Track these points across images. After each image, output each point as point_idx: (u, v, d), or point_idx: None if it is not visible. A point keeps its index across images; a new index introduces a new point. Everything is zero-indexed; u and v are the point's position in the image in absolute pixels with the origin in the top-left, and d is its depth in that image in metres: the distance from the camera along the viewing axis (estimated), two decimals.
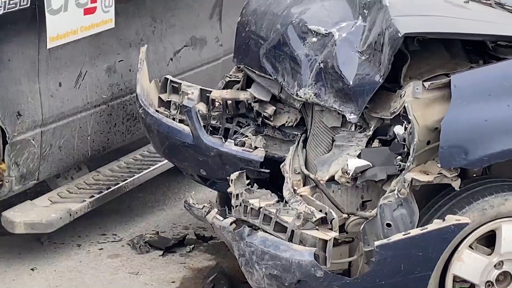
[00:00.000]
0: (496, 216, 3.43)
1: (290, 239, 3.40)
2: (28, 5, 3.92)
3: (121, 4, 4.39)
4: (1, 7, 3.79)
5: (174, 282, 4.14)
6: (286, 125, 4.14)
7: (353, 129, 3.70)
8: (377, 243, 3.18)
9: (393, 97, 3.57)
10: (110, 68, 4.49)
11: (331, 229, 3.39)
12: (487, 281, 3.46)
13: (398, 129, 3.48)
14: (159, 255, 4.43)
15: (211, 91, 4.37)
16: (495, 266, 3.45)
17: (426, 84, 3.46)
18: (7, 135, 3.94)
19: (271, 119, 4.18)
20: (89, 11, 4.24)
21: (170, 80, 4.49)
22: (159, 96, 4.43)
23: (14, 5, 3.85)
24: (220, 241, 4.19)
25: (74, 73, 4.28)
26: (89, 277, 4.20)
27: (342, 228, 3.44)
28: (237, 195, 3.72)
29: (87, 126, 4.44)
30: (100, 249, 4.48)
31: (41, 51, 4.05)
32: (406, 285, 3.33)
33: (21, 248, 4.33)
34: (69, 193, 4.40)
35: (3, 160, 3.99)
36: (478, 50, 3.71)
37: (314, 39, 3.86)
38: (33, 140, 4.10)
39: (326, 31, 3.82)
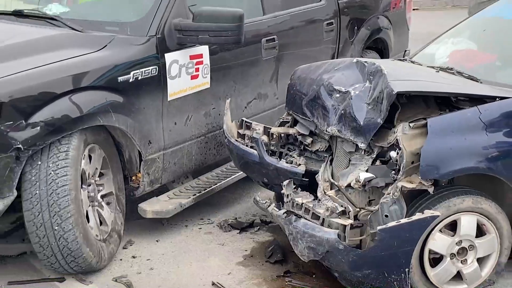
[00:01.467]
0: (457, 211, 3.43)
1: (322, 224, 3.46)
2: (156, 73, 3.99)
3: (214, 72, 4.43)
4: (140, 75, 3.87)
5: (246, 250, 4.18)
6: (319, 150, 4.13)
7: (363, 153, 3.70)
8: (379, 227, 3.21)
9: (389, 133, 3.59)
10: (206, 113, 4.53)
11: (348, 218, 3.45)
12: (451, 253, 3.47)
13: (393, 154, 3.50)
14: (237, 233, 4.45)
15: (271, 128, 4.40)
16: (456, 243, 3.46)
17: (411, 124, 3.49)
18: (142, 156, 4.00)
19: (310, 146, 4.18)
20: (194, 77, 4.30)
21: (245, 120, 4.52)
22: (237, 131, 4.46)
23: (148, 73, 3.92)
24: (276, 224, 4.21)
25: (184, 116, 4.33)
26: (192, 246, 4.24)
27: (356, 217, 3.46)
28: (287, 195, 3.77)
29: (192, 150, 4.49)
30: (200, 228, 4.53)
31: (164, 102, 4.11)
32: (397, 255, 3.32)
33: (150, 227, 4.41)
34: (180, 192, 4.45)
35: (139, 171, 4.05)
36: (445, 102, 3.71)
37: (338, 95, 3.88)
38: (158, 158, 4.15)
39: (345, 89, 3.84)
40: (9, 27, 4.12)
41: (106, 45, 3.87)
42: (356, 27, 5.95)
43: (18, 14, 4.25)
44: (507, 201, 3.57)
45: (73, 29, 4.01)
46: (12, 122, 3.23)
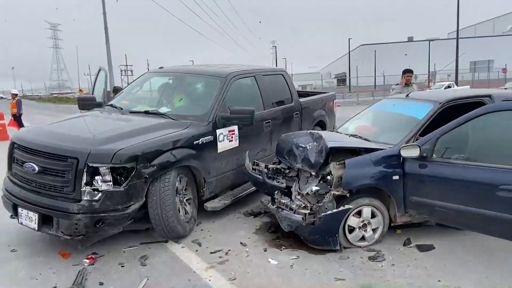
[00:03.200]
0: (361, 205, 3.49)
1: (294, 213, 3.47)
2: (212, 139, 4.06)
3: (240, 138, 4.42)
4: (204, 140, 3.95)
5: (257, 226, 4.14)
6: (292, 176, 4.12)
7: (314, 177, 3.72)
8: (323, 214, 3.30)
9: (326, 167, 3.62)
10: (237, 158, 4.46)
11: (307, 209, 3.47)
12: (359, 226, 3.51)
13: (329, 177, 3.54)
14: (253, 217, 4.41)
15: (268, 165, 4.38)
16: (361, 221, 3.51)
17: (337, 163, 3.55)
18: (206, 180, 4.01)
19: (288, 173, 4.19)
20: (230, 141, 4.29)
21: (255, 161, 4.50)
22: (252, 167, 4.41)
23: (208, 139, 4.00)
24: (272, 213, 4.14)
25: (225, 160, 4.29)
26: (230, 224, 4.21)
27: (311, 209, 3.46)
28: (277, 198, 3.78)
29: (230, 176, 4.45)
30: (234, 215, 4.48)
31: (216, 154, 4.12)
32: (332, 228, 3.38)
33: (210, 215, 4.32)
34: (224, 198, 4.39)
35: (204, 187, 4.03)
36: (354, 152, 3.71)
37: (301, 148, 3.90)
38: (213, 181, 4.16)
39: (305, 146, 3.87)
40: (142, 118, 4.12)
41: (188, 126, 3.95)
42: (309, 115, 5.95)
43: (147, 112, 4.29)
44: (386, 199, 3.58)
45: (172, 119, 4.08)
46: (143, 164, 3.37)
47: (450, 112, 3.89)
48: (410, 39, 54.11)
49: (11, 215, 3.62)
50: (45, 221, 3.31)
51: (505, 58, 46.51)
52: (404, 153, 3.37)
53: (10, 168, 3.75)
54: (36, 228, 3.32)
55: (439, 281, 2.98)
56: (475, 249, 3.49)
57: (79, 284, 3.01)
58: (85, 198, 3.19)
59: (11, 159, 3.72)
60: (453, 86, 29.36)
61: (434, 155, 3.34)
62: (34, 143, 3.48)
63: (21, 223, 3.44)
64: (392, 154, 3.51)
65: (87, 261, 3.35)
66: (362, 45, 52.90)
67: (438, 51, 45.56)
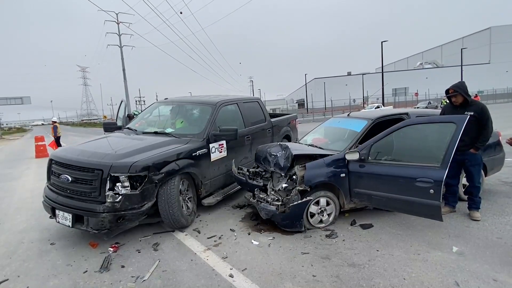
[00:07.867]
0: (319, 196, 3.45)
1: (270, 204, 3.42)
2: (207, 151, 3.97)
3: (228, 150, 4.34)
4: (201, 152, 3.86)
5: (242, 216, 4.05)
6: (267, 176, 4.06)
7: (283, 177, 3.67)
8: (291, 204, 3.25)
9: (292, 169, 3.59)
10: (226, 165, 4.37)
11: (279, 201, 3.42)
12: (317, 212, 3.44)
13: (294, 176, 3.50)
14: (239, 209, 4.31)
15: (249, 169, 4.34)
16: (319, 208, 3.44)
17: (300, 166, 3.49)
18: (202, 182, 3.91)
19: (265, 175, 4.13)
20: (220, 152, 4.20)
21: (239, 166, 4.45)
22: (237, 171, 4.35)
23: (203, 152, 3.90)
24: (253, 205, 4.05)
25: (217, 167, 4.18)
26: (222, 215, 4.10)
27: (282, 201, 3.42)
28: (256, 194, 3.72)
29: (221, 178, 4.32)
30: (224, 208, 4.35)
31: (210, 162, 4.03)
32: (298, 214, 3.31)
33: (206, 209, 4.19)
34: (216, 195, 4.27)
35: (201, 188, 3.93)
36: (312, 157, 3.69)
37: (273, 156, 3.87)
38: (208, 183, 4.02)
39: (275, 154, 3.84)
40: (152, 137, 3.97)
41: (188, 142, 3.89)
42: (278, 131, 5.89)
43: (156, 132, 4.17)
44: (336, 191, 3.56)
45: (175, 137, 3.98)
46: (154, 173, 3.25)
47: (380, 125, 4.00)
48: (349, 73, 55.55)
49: (50, 216, 3.50)
50: (77, 219, 3.22)
51: (416, 86, 48.43)
52: (348, 157, 3.42)
53: (49, 179, 3.63)
54: (70, 225, 3.21)
55: (377, 250, 2.98)
56: (402, 225, 3.53)
57: (105, 268, 2.89)
58: (108, 200, 3.12)
59: (50, 172, 3.59)
60: (381, 107, 30.28)
61: (369, 157, 3.37)
62: (68, 159, 3.38)
63: (58, 222, 3.32)
64: (339, 158, 3.52)
65: (111, 249, 3.24)
66: (315, 78, 53.94)
67: (369, 82, 47.04)
